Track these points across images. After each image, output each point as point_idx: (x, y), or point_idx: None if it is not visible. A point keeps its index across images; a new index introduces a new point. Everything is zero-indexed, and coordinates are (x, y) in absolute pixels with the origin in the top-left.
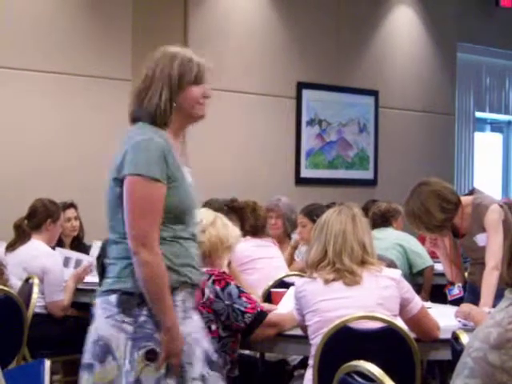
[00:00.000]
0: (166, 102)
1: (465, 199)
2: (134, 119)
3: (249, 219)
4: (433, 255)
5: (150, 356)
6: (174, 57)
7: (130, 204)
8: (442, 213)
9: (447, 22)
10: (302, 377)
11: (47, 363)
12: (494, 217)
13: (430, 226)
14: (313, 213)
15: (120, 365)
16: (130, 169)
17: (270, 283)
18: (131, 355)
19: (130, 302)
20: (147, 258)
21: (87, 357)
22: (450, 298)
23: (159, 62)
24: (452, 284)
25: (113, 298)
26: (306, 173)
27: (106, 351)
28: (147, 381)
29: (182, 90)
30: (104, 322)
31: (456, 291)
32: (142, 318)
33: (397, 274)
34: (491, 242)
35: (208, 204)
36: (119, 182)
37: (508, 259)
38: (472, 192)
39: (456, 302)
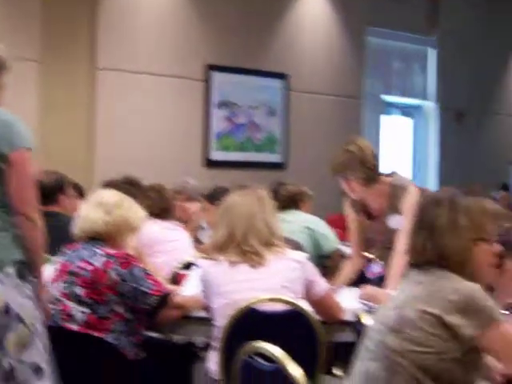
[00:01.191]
0: None
1: (383, 178)
2: None
3: (155, 201)
4: (341, 238)
5: None
6: None
7: (26, 175)
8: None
9: (356, 7)
10: (207, 359)
11: None
12: (412, 200)
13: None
14: (214, 196)
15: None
16: (21, 142)
17: (177, 265)
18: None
19: (25, 270)
20: (38, 223)
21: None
22: (370, 276)
23: None
24: (372, 261)
25: (11, 269)
26: (215, 155)
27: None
28: None
29: None
30: (9, 293)
31: (376, 268)
32: (32, 284)
33: (302, 256)
34: (405, 224)
35: (109, 185)
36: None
37: (410, 242)
38: (391, 174)
39: (377, 281)
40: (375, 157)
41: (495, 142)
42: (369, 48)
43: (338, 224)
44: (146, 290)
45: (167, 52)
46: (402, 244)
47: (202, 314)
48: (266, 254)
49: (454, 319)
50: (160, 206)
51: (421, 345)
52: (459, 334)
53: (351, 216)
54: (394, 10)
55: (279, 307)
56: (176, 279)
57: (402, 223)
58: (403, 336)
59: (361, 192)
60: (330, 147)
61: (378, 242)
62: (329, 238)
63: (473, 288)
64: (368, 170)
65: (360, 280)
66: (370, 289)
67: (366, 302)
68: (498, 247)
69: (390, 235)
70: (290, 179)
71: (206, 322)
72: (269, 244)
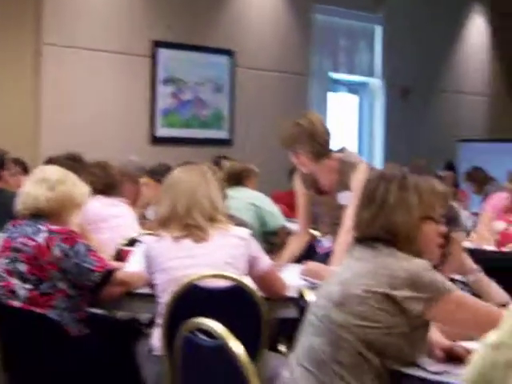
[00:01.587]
0: None
1: (333, 154)
2: None
3: (100, 178)
4: (288, 215)
5: None
6: None
7: None
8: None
9: None
10: (151, 335)
11: None
12: (361, 177)
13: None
14: (155, 173)
15: None
16: None
17: (122, 242)
18: None
19: None
20: None
21: None
22: (320, 251)
23: None
24: (322, 237)
25: None
26: (161, 132)
27: None
28: None
29: None
30: None
31: (327, 243)
32: None
33: (246, 233)
34: (353, 201)
35: (51, 161)
36: None
37: (357, 217)
38: (341, 151)
39: (325, 257)
40: (326, 132)
41: (441, 119)
42: (316, 25)
43: (284, 201)
44: (89, 267)
45: (113, 28)
46: (349, 220)
47: (146, 290)
48: (209, 229)
49: (402, 294)
50: (105, 182)
51: (367, 319)
52: (407, 309)
53: (300, 191)
54: None
55: (222, 283)
56: (120, 256)
57: (350, 199)
58: (348, 310)
59: (310, 166)
60: (276, 124)
61: (327, 218)
62: (274, 214)
63: (420, 264)
64: (317, 144)
65: (308, 256)
66: (311, 265)
67: (307, 277)
68: (444, 227)
69: (338, 211)
70: (237, 156)
71: (150, 298)
72: (212, 219)
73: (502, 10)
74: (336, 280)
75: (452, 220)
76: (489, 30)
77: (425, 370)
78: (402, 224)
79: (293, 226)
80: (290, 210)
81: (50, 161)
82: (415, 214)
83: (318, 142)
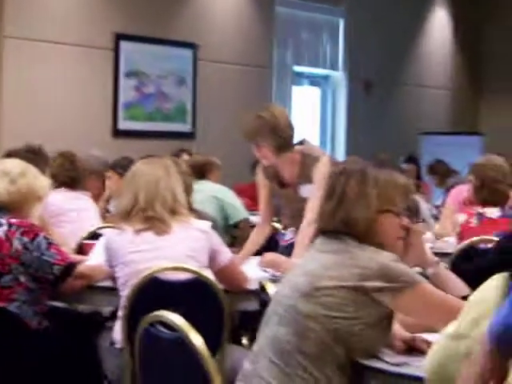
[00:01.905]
0: None
1: (295, 147)
2: None
3: (63, 170)
4: (251, 208)
5: None
6: None
7: None
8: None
9: None
10: (112, 328)
11: None
12: (324, 169)
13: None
14: (118, 166)
15: None
16: None
17: (84, 235)
18: None
19: None
20: None
21: None
22: (283, 243)
23: None
24: (284, 229)
25: None
26: (123, 125)
27: None
28: None
29: None
30: None
31: (289, 236)
32: None
33: (207, 225)
34: (315, 194)
35: (11, 154)
36: None
37: (320, 209)
38: (302, 143)
39: (287, 248)
40: (289, 125)
41: (404, 112)
42: (278, 18)
43: (247, 193)
44: (50, 260)
45: (75, 21)
46: (311, 213)
47: (108, 283)
48: (170, 222)
49: (372, 285)
50: (69, 174)
51: (335, 310)
52: (377, 300)
53: (262, 183)
54: None
55: (183, 276)
56: (82, 249)
57: (312, 192)
58: (316, 301)
59: (272, 159)
60: (239, 117)
61: (289, 211)
62: (237, 207)
63: (389, 256)
64: (280, 137)
65: (270, 248)
66: (270, 256)
67: (267, 269)
68: (405, 220)
69: (300, 204)
70: (200, 149)
71: (112, 291)
72: (174, 212)
73: (463, 3)
74: (301, 271)
75: (412, 212)
76: (451, 23)
77: (385, 361)
78: (361, 218)
79: (255, 219)
80: (252, 202)
81: (10, 154)
82: (374, 207)
83: (280, 135)
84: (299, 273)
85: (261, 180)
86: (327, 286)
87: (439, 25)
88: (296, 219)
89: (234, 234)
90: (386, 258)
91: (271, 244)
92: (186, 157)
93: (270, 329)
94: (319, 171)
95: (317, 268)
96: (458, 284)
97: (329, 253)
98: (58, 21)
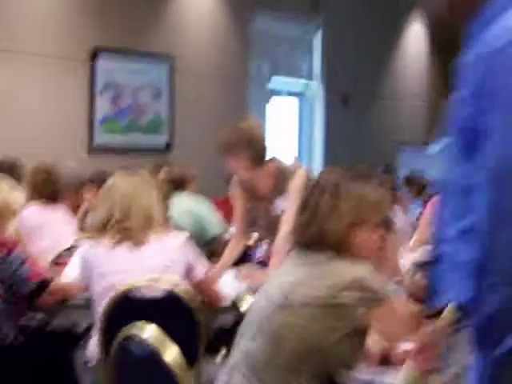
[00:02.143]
0: None
1: (271, 160)
2: None
3: (40, 184)
4: (227, 220)
5: None
6: None
7: None
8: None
9: None
10: (88, 343)
11: None
12: (299, 182)
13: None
14: (96, 178)
15: None
16: None
17: (61, 249)
18: None
19: None
20: None
21: None
22: (256, 256)
23: None
24: (259, 242)
25: None
26: (100, 139)
27: None
28: None
29: None
30: None
31: (263, 249)
32: None
33: (183, 238)
34: (290, 207)
35: None
36: None
37: (295, 222)
38: (276, 158)
39: (263, 261)
40: (264, 138)
41: (381, 124)
42: (255, 29)
43: (224, 207)
44: (24, 275)
45: (52, 33)
46: (286, 226)
47: (84, 298)
48: (147, 234)
49: (347, 298)
50: (46, 187)
51: (309, 321)
52: (352, 312)
53: (237, 195)
54: None
55: (159, 289)
56: (59, 262)
57: (288, 205)
58: (292, 312)
59: (248, 172)
60: (216, 129)
61: (264, 223)
62: (213, 221)
63: (364, 268)
64: (256, 150)
65: (245, 260)
66: (248, 269)
67: (245, 282)
68: (380, 232)
69: (276, 216)
70: (177, 161)
71: (88, 306)
72: (150, 224)
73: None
74: (276, 283)
75: (387, 224)
76: (427, 36)
77: (357, 376)
78: (335, 230)
79: (231, 232)
80: (229, 215)
81: None
82: (347, 220)
83: (257, 147)
84: (275, 285)
85: (236, 193)
86: (302, 297)
87: (415, 37)
88: (271, 231)
89: (210, 247)
90: (360, 270)
91: (247, 256)
92: (165, 170)
93: (245, 343)
94: (294, 184)
95: (292, 280)
96: None
97: (304, 265)
98: (36, 33)
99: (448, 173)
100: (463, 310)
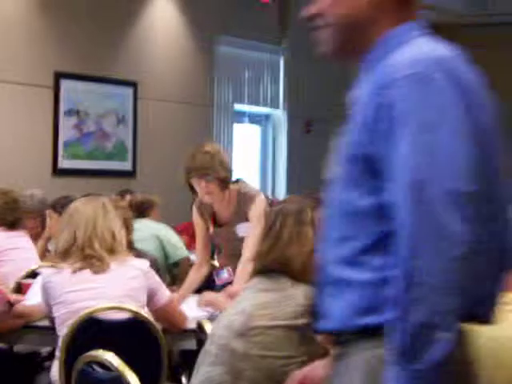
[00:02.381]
0: None
1: (232, 186)
2: None
3: (6, 210)
4: (190, 245)
5: None
6: None
7: None
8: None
9: (207, 15)
10: (50, 368)
11: None
12: (260, 207)
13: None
14: (57, 204)
15: None
16: None
17: (22, 275)
18: None
19: None
20: None
21: None
22: (218, 283)
23: None
24: (221, 268)
25: None
26: (64, 164)
27: None
28: None
29: None
30: None
31: (225, 275)
32: None
33: (145, 264)
34: (252, 232)
35: None
36: None
37: (257, 249)
38: (237, 182)
39: (224, 287)
40: (229, 162)
41: None
42: (220, 56)
43: (187, 231)
44: None
45: (14, 58)
46: (248, 251)
47: (46, 323)
48: (108, 261)
49: (303, 323)
50: (8, 214)
51: (269, 349)
52: (309, 337)
53: (198, 222)
54: (245, 18)
55: (121, 316)
56: (20, 288)
57: (249, 231)
58: (250, 340)
59: (215, 195)
60: (180, 155)
61: (225, 250)
62: (177, 246)
63: None
64: (225, 173)
65: (208, 286)
66: (209, 295)
67: (206, 308)
68: None
69: (237, 242)
70: (140, 187)
71: (50, 331)
72: (112, 250)
73: None
74: (236, 310)
75: None
76: None
77: None
78: (296, 257)
79: (196, 257)
80: (192, 240)
81: None
82: (310, 247)
83: (226, 171)
84: (234, 312)
85: (196, 219)
86: (261, 325)
87: None
88: (233, 258)
89: (174, 272)
90: None
91: (209, 282)
92: (129, 196)
93: (204, 369)
94: (255, 210)
95: (251, 307)
96: None
97: (263, 291)
98: None
99: (336, 198)
100: (348, 333)
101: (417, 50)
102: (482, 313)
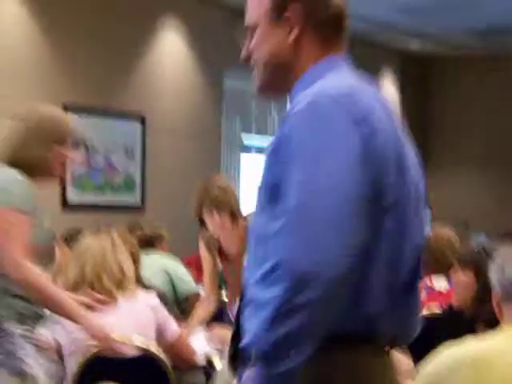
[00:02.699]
0: None
1: (240, 221)
2: None
3: None
4: (199, 279)
5: None
6: None
7: None
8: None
9: (215, 49)
10: None
11: None
12: None
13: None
14: (67, 237)
15: None
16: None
17: None
18: None
19: None
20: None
21: None
22: (229, 316)
23: None
24: (232, 302)
25: None
26: (72, 198)
27: None
28: None
29: None
30: None
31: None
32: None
33: (154, 299)
34: None
35: None
36: None
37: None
38: (245, 218)
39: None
40: (238, 196)
41: None
42: (227, 88)
43: (195, 265)
44: None
45: (21, 91)
46: None
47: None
48: (118, 296)
49: None
50: None
51: None
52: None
53: (206, 256)
54: None
55: (131, 351)
56: None
57: None
58: None
59: (228, 228)
60: (189, 188)
61: (234, 285)
62: (186, 280)
63: None
64: (237, 207)
65: (217, 321)
66: (218, 330)
67: (214, 343)
68: None
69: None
70: (149, 220)
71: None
72: (121, 285)
73: (411, 77)
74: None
75: None
76: (399, 98)
77: None
78: None
79: (202, 291)
80: (200, 274)
81: None
82: None
83: (237, 205)
84: None
85: (204, 253)
86: None
87: (388, 85)
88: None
89: (183, 307)
90: None
91: (218, 317)
92: (137, 230)
93: None
94: None
95: None
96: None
97: None
98: (3, 92)
99: (253, 223)
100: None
101: (324, 84)
102: (387, 328)
